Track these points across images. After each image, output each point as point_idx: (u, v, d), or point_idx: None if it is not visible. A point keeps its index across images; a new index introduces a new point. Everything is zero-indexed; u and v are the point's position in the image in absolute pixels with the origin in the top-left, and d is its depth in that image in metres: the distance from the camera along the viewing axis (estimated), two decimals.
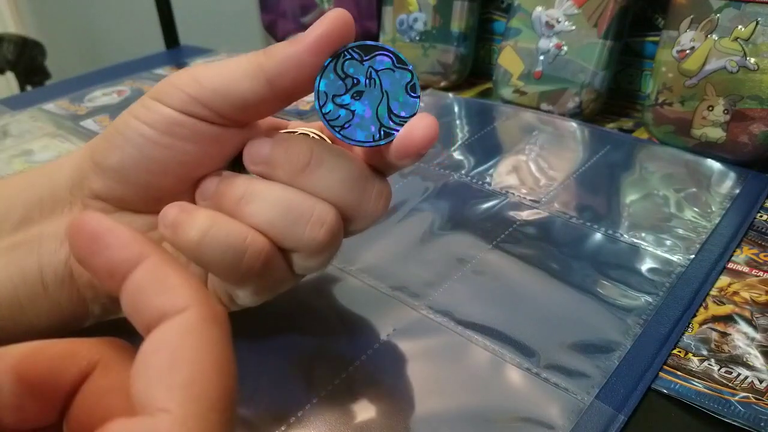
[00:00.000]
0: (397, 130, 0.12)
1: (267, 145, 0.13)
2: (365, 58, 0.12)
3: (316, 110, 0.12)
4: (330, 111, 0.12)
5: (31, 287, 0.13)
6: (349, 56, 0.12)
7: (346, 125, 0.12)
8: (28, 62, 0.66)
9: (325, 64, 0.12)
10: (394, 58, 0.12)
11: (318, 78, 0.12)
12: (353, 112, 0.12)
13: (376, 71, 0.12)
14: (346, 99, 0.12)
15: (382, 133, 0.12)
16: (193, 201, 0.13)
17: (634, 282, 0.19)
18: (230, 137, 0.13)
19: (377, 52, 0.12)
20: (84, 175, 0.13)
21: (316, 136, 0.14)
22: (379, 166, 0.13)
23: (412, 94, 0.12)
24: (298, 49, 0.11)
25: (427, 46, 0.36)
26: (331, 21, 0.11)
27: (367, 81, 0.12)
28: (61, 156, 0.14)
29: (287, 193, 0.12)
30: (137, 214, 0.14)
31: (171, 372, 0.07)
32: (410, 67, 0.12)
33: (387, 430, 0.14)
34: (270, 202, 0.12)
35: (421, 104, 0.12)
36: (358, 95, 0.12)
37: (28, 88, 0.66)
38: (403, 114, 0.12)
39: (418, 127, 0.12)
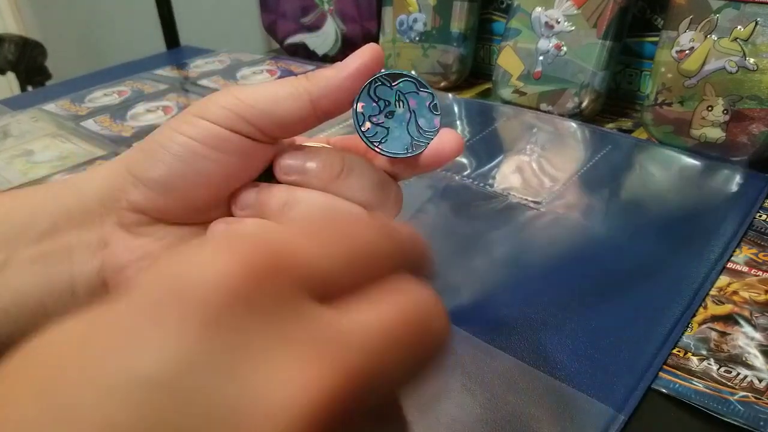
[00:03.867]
0: (425, 143, 0.14)
1: (301, 157, 0.14)
2: (393, 84, 0.14)
3: (355, 129, 0.14)
4: (368, 129, 0.14)
5: (59, 296, 0.13)
6: (379, 82, 0.14)
7: (383, 140, 0.14)
8: (28, 63, 0.66)
9: (361, 89, 0.14)
10: (417, 83, 0.14)
11: (355, 101, 0.14)
12: (387, 129, 0.14)
13: (403, 94, 0.14)
14: (381, 118, 0.14)
15: (413, 146, 0.14)
16: (227, 211, 0.14)
17: (636, 281, 0.19)
18: (265, 151, 0.14)
19: (403, 78, 0.14)
20: (119, 188, 0.13)
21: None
22: (394, 174, 0.15)
23: (435, 112, 0.14)
24: (340, 75, 0.13)
25: (427, 46, 0.36)
26: (370, 54, 0.13)
27: (397, 102, 0.14)
28: (90, 168, 0.14)
29: (326, 198, 0.14)
30: (172, 226, 0.14)
31: None
32: (430, 90, 0.14)
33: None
34: (312, 206, 0.14)
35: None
36: (390, 115, 0.14)
37: (29, 88, 0.66)
38: (428, 128, 0.14)
39: (449, 140, 0.14)
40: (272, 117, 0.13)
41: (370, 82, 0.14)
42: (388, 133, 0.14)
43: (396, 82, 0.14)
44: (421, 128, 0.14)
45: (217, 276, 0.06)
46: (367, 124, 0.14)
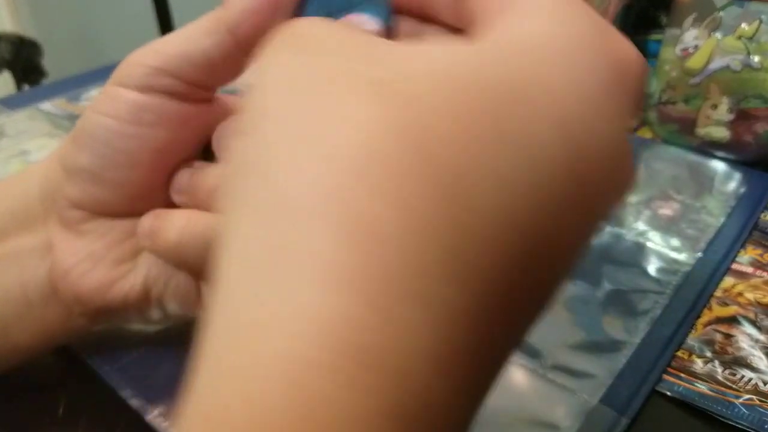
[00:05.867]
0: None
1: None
2: None
3: None
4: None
5: (15, 305, 0.13)
6: None
7: None
8: (24, 61, 0.65)
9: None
10: None
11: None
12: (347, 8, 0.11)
13: (354, 5, 0.11)
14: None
15: (388, 15, 0.11)
16: (156, 189, 0.13)
17: (641, 281, 0.18)
18: (198, 117, 0.12)
19: None
20: (55, 186, 0.13)
21: None
22: None
23: (375, 14, 0.11)
24: None
25: None
26: None
27: (338, 12, 0.11)
28: (34, 164, 0.14)
29: None
30: (117, 220, 0.13)
31: None
32: (385, 6, 0.11)
33: None
34: None
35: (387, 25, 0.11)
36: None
37: (25, 87, 0.66)
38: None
39: None
40: (191, 60, 0.11)
41: None
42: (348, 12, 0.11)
43: None
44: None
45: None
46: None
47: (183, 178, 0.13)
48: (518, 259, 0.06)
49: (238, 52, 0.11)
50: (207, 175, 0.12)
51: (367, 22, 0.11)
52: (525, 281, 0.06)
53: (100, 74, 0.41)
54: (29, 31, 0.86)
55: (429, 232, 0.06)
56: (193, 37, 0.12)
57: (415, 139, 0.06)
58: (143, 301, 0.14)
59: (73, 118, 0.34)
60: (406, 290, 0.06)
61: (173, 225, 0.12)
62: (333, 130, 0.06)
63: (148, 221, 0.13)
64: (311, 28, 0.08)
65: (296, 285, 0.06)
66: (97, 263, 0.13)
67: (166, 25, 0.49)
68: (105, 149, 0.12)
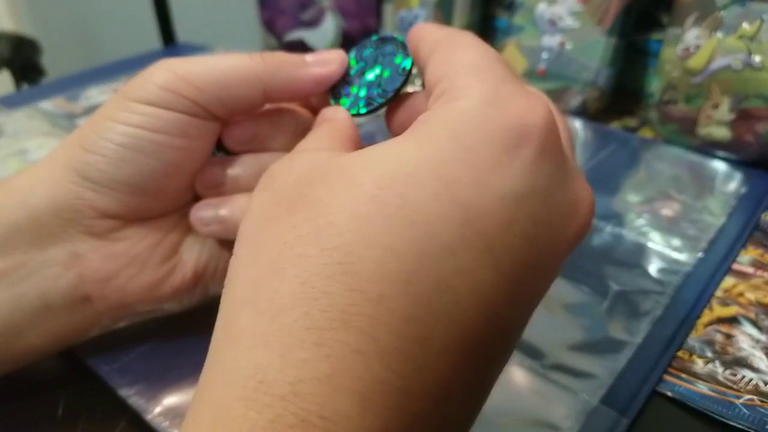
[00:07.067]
0: (378, 103, 0.13)
1: (250, 126, 0.14)
2: (379, 46, 0.14)
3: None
4: (340, 88, 0.14)
5: (31, 313, 0.13)
6: (368, 45, 0.14)
7: (343, 98, 0.14)
8: (23, 60, 0.65)
9: (349, 53, 0.14)
10: (401, 46, 0.13)
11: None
12: (353, 88, 0.14)
13: (383, 56, 0.13)
14: (354, 79, 0.14)
15: (367, 104, 0.13)
16: (186, 189, 0.14)
17: (641, 281, 0.18)
18: (217, 127, 0.14)
19: (390, 42, 0.14)
20: (72, 196, 0.12)
21: None
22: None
23: (400, 72, 0.13)
24: (302, 77, 0.13)
25: None
26: (338, 63, 0.13)
27: (373, 64, 0.13)
28: (23, 174, 0.13)
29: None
30: (151, 221, 0.14)
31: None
32: (410, 56, 0.13)
33: None
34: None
35: (414, 88, 0.13)
36: (362, 75, 0.14)
37: (24, 86, 0.66)
38: (386, 89, 0.13)
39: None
40: (220, 100, 0.12)
41: (360, 46, 0.14)
42: (351, 92, 0.13)
43: (383, 45, 0.13)
44: (382, 87, 0.13)
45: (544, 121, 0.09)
46: (341, 83, 0.14)
47: (215, 173, 0.14)
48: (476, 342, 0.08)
49: (263, 103, 0.13)
50: (244, 165, 0.14)
51: (341, 112, 0.13)
52: (486, 348, 0.08)
53: (99, 73, 0.41)
54: (28, 30, 0.86)
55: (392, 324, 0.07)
56: (230, 82, 0.12)
57: (347, 269, 0.08)
58: (192, 288, 0.14)
59: (72, 117, 0.34)
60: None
61: (239, 207, 0.13)
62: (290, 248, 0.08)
63: (208, 213, 0.13)
64: (277, 168, 0.10)
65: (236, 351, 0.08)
66: (143, 266, 0.13)
67: (166, 24, 0.49)
68: (153, 162, 0.12)
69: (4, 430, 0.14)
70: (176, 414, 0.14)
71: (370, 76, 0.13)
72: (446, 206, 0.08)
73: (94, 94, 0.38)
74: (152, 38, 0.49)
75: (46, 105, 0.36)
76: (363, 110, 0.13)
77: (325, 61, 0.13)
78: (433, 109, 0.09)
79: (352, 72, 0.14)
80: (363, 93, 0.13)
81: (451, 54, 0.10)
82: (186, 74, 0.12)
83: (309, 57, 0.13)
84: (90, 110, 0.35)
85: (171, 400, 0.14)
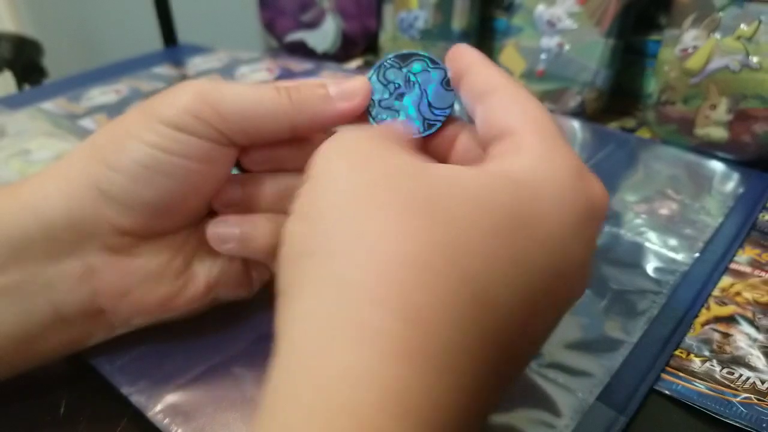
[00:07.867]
0: (439, 120, 0.14)
1: (270, 151, 0.14)
2: (403, 65, 0.14)
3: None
4: (377, 113, 0.14)
5: (42, 322, 0.13)
6: (389, 65, 0.14)
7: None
8: (25, 61, 0.65)
9: (369, 76, 0.14)
10: (428, 61, 0.14)
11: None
12: (398, 112, 0.14)
13: (414, 74, 0.14)
14: (391, 102, 0.14)
15: (426, 125, 0.14)
16: (202, 207, 0.14)
17: (639, 281, 0.19)
18: (237, 152, 0.14)
19: (413, 58, 0.14)
20: (95, 212, 0.12)
21: None
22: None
23: (447, 88, 0.14)
24: (330, 111, 0.13)
25: (428, 44, 0.35)
26: (363, 94, 0.13)
27: (407, 84, 0.14)
28: (34, 180, 0.13)
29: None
30: (167, 237, 0.14)
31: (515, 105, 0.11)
32: (443, 66, 0.14)
33: None
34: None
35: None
36: (401, 97, 0.14)
37: (26, 87, 0.66)
38: (440, 106, 0.14)
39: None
40: (245, 131, 0.13)
41: (379, 67, 0.13)
42: (398, 116, 0.14)
43: (406, 63, 0.13)
44: (434, 106, 0.13)
45: None
46: (377, 110, 0.14)
47: (235, 192, 0.14)
48: (513, 340, 0.09)
49: (289, 137, 0.13)
50: (263, 185, 0.14)
51: (407, 126, 0.13)
52: (513, 354, 0.10)
53: (101, 74, 0.41)
54: (30, 31, 0.86)
55: (458, 323, 0.08)
56: (257, 115, 0.13)
57: (453, 254, 0.09)
58: (203, 299, 0.14)
59: (73, 117, 0.34)
60: (443, 363, 0.08)
61: (264, 230, 0.14)
62: (387, 236, 0.09)
63: (231, 231, 0.14)
64: (358, 142, 0.11)
65: (356, 351, 0.08)
66: (158, 281, 0.13)
67: (167, 25, 0.49)
68: (175, 185, 0.13)
69: (8, 429, 0.14)
70: (177, 412, 0.14)
71: (410, 95, 0.13)
72: (546, 267, 0.10)
73: (95, 94, 0.38)
74: (153, 39, 0.49)
75: (48, 105, 0.36)
76: (425, 132, 0.13)
77: (349, 94, 0.13)
78: (526, 169, 0.10)
79: (376, 95, 0.14)
80: (412, 113, 0.13)
81: (516, 104, 0.11)
82: (214, 101, 0.12)
83: (332, 89, 0.13)
84: (92, 111, 0.35)
85: (172, 398, 0.14)
